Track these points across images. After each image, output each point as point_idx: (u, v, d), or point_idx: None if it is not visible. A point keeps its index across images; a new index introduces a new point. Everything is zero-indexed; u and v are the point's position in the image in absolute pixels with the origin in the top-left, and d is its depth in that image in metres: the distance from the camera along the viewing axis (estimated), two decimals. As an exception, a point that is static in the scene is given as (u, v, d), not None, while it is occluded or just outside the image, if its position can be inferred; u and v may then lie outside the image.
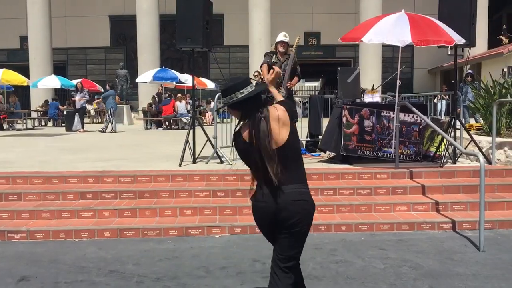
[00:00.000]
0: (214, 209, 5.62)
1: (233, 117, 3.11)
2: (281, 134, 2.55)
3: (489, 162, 6.92)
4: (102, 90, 21.24)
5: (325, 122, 8.24)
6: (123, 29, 27.79)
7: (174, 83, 19.39)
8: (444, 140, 6.73)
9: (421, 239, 5.01)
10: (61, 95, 24.17)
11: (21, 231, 5.18)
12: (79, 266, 4.29)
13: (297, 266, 2.74)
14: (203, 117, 20.12)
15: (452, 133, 7.07)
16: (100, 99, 15.72)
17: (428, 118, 6.63)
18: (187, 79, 19.23)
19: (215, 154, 7.33)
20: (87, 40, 27.94)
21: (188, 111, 17.42)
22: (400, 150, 6.81)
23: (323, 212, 5.51)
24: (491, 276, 3.93)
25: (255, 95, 2.58)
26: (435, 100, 17.01)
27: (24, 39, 25.14)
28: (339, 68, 7.71)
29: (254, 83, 2.66)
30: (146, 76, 19.13)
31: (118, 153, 9.07)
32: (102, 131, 15.34)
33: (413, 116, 6.89)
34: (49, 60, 23.03)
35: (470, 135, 7.38)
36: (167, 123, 18.37)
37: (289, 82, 7.25)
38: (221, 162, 7.24)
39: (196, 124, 7.51)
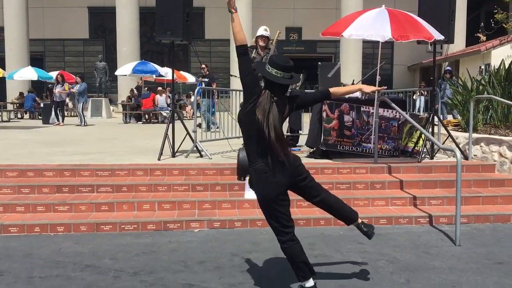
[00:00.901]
0: (193, 203, 5.57)
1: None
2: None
3: (465, 157, 7.03)
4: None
5: (305, 117, 8.25)
6: (102, 21, 27.41)
7: (154, 76, 19.20)
8: (422, 136, 6.80)
9: (398, 233, 5.06)
10: (38, 87, 23.70)
11: (-6, 226, 5.05)
12: (55, 261, 4.21)
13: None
14: (183, 111, 19.98)
15: (430, 129, 7.16)
16: (74, 90, 15.45)
17: (407, 114, 6.68)
18: (167, 73, 19.05)
19: (195, 148, 7.28)
20: (65, 32, 27.46)
21: (168, 105, 17.28)
22: (379, 145, 6.86)
23: (302, 207, 5.51)
24: (466, 270, 3.99)
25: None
26: (414, 97, 17.23)
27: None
28: (319, 63, 7.72)
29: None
30: (125, 69, 18.90)
31: (96, 146, 8.94)
32: (81, 124, 15.15)
33: (392, 112, 6.95)
34: (26, 52, 22.59)
35: (447, 131, 7.49)
36: (146, 116, 18.21)
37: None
38: (201, 156, 7.20)
39: (176, 118, 7.44)
